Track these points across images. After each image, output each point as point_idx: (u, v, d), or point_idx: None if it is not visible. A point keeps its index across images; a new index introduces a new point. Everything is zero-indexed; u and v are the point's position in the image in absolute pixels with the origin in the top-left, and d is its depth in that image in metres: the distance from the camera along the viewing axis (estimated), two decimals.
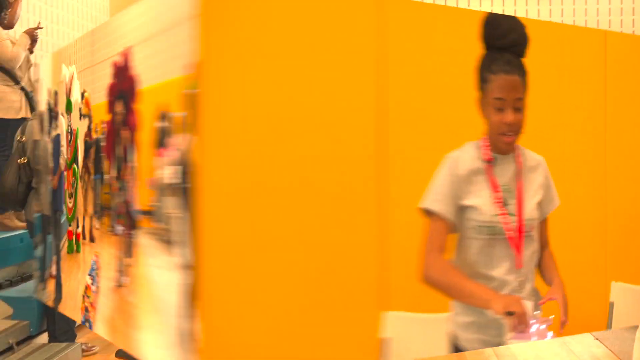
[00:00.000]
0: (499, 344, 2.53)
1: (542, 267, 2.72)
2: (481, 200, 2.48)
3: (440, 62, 3.15)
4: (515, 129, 2.54)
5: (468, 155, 2.51)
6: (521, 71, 2.57)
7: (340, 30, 2.80)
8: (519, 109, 2.54)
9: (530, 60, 3.47)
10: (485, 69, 2.53)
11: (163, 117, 2.51)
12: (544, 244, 2.73)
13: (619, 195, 3.80)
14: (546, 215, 2.71)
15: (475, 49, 3.05)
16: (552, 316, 2.60)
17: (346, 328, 3.21)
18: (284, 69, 2.69)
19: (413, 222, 3.24)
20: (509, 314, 2.40)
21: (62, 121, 3.30)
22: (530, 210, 2.59)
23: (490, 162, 2.53)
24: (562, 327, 2.66)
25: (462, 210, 2.50)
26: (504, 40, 2.55)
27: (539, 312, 2.69)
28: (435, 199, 2.46)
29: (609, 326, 3.59)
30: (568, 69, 3.56)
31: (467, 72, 3.20)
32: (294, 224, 3.03)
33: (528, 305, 2.50)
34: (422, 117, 3.17)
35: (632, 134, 3.77)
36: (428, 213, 2.47)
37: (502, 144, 2.53)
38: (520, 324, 2.40)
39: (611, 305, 3.58)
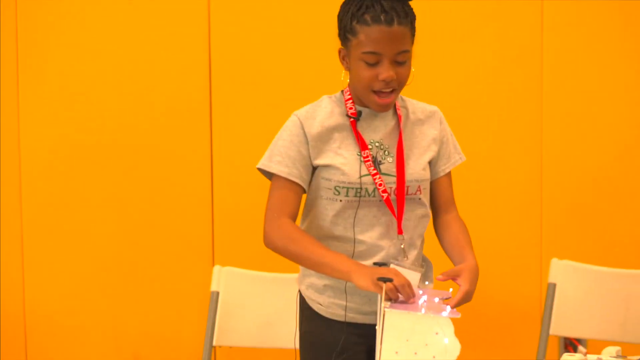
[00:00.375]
0: (369, 313, 2.24)
1: (446, 239, 2.27)
2: (342, 160, 2.14)
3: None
4: (395, 85, 2.11)
5: (323, 111, 2.19)
6: (405, 19, 2.09)
7: None
8: (401, 62, 2.11)
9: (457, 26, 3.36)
10: (353, 18, 2.10)
11: None
12: (445, 207, 2.29)
13: (555, 170, 3.60)
14: (444, 172, 2.28)
15: None
16: (451, 289, 2.15)
17: (178, 282, 3.19)
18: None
19: (241, 181, 3.19)
20: (385, 280, 2.08)
21: None
22: (415, 170, 2.19)
23: (355, 117, 2.18)
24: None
25: (315, 170, 2.16)
26: None
27: (429, 283, 2.38)
28: (277, 160, 2.17)
29: (546, 307, 3.13)
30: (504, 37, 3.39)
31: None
32: (127, 184, 3.16)
33: (411, 275, 2.20)
34: (246, 74, 3.17)
35: (569, 104, 3.59)
36: (268, 175, 2.21)
37: (374, 104, 2.14)
38: (400, 295, 1.98)
39: (552, 286, 3.14)
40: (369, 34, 2.09)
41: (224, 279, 2.98)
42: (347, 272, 2.03)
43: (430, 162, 2.25)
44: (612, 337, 3.08)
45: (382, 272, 2.01)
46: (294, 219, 2.17)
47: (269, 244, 2.18)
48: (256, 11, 3.36)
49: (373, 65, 2.11)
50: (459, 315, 1.98)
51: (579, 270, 3.14)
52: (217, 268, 2.99)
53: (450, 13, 3.46)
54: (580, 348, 3.48)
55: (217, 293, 2.95)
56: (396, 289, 1.97)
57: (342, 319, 2.19)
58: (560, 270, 3.15)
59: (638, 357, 2.14)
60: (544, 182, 3.59)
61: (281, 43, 3.37)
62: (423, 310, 1.97)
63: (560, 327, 3.13)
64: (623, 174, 3.63)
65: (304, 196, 2.23)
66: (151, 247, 3.30)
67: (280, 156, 2.18)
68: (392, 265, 2.12)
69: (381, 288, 1.96)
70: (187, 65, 3.33)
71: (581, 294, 3.12)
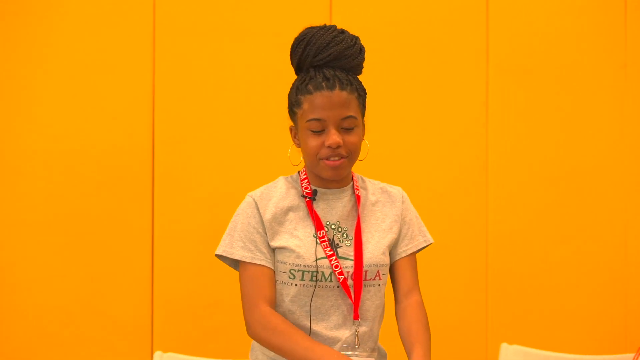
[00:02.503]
0: None
1: (401, 328, 2.14)
2: (297, 241, 2.07)
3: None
4: (343, 152, 2.06)
5: (279, 191, 2.13)
6: (350, 86, 2.08)
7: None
8: (348, 129, 2.07)
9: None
10: (297, 92, 2.10)
11: None
12: (406, 292, 2.18)
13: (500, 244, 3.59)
14: (405, 254, 2.18)
15: None
16: None
17: None
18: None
19: (181, 262, 3.09)
20: None
21: None
22: (374, 254, 2.11)
23: (310, 197, 2.12)
24: None
25: (274, 253, 2.09)
26: (321, 56, 2.09)
27: None
28: (239, 245, 2.08)
29: None
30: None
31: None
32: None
33: None
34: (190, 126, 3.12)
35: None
36: (229, 262, 2.12)
37: (325, 170, 2.08)
38: None
39: None
40: (312, 102, 2.07)
41: None
42: None
43: (391, 245, 2.17)
44: None
45: None
46: (272, 303, 2.08)
47: (252, 335, 2.08)
48: (201, 44, 3.33)
49: (319, 133, 2.07)
50: None
51: (529, 356, 3.08)
52: (157, 354, 2.84)
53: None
54: None
55: None
56: None
57: None
58: (510, 356, 3.09)
59: None
60: (490, 263, 3.57)
61: (228, 80, 3.32)
62: None
63: None
64: (568, 256, 3.64)
65: None
66: (85, 330, 3.13)
67: (241, 241, 2.10)
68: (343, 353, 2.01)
69: None
70: (130, 112, 3.24)
71: None
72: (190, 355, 2.88)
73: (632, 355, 3.01)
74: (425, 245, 2.22)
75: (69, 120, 3.22)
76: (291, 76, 2.15)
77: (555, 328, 3.61)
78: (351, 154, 2.09)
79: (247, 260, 2.08)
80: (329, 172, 2.09)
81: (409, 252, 2.19)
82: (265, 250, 2.09)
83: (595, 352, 3.23)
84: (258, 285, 2.08)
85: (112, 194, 3.20)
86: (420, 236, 2.22)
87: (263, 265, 2.08)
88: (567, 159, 3.62)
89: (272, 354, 2.09)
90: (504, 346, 3.11)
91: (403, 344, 2.13)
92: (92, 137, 3.22)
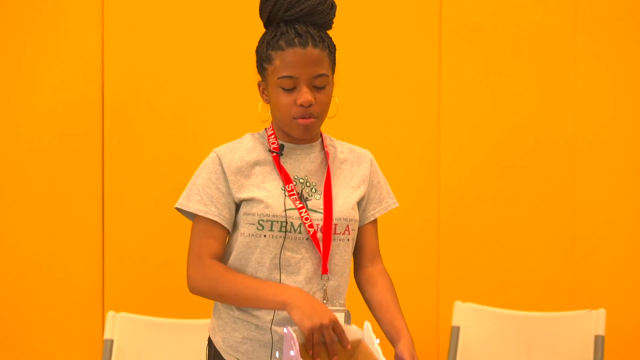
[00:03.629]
0: None
1: (374, 298, 2.14)
2: (265, 193, 2.03)
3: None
4: (315, 111, 2.04)
5: (245, 146, 2.10)
6: (322, 43, 2.05)
7: None
8: (320, 87, 2.04)
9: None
10: (268, 47, 2.05)
11: None
12: (371, 257, 2.19)
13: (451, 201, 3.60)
14: (373, 217, 2.18)
15: None
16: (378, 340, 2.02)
17: (71, 329, 3.00)
18: None
19: (133, 220, 3.06)
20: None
21: None
22: (344, 208, 2.09)
23: (277, 151, 2.09)
24: None
25: (236, 206, 2.05)
26: (293, 11, 2.04)
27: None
28: (195, 199, 2.05)
29: (451, 352, 3.09)
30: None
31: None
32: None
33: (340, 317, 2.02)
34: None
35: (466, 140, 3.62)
36: (187, 214, 2.08)
37: (296, 129, 2.05)
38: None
39: (455, 329, 3.10)
40: (283, 58, 2.03)
41: (119, 325, 2.79)
42: (284, 305, 1.94)
43: (359, 205, 2.15)
44: None
45: (322, 316, 1.89)
46: (218, 257, 2.05)
47: (193, 288, 2.05)
48: (151, 41, 3.24)
49: (290, 90, 2.04)
50: None
51: (481, 313, 3.13)
52: (110, 314, 2.81)
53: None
54: None
55: (112, 341, 2.77)
56: (322, 329, 1.87)
57: None
58: (464, 313, 3.13)
59: None
60: (441, 222, 3.59)
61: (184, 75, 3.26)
62: None
63: None
64: (518, 215, 3.68)
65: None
66: (35, 288, 3.07)
67: (198, 195, 2.07)
68: None
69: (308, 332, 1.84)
70: (80, 56, 3.16)
71: (484, 338, 3.10)
72: (144, 315, 2.85)
73: (578, 312, 3.08)
74: (393, 207, 2.22)
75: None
76: (258, 30, 2.11)
77: (506, 286, 3.66)
78: (322, 113, 2.07)
79: (200, 213, 2.05)
80: (300, 131, 2.07)
81: (377, 214, 2.19)
82: (221, 208, 2.06)
83: (545, 309, 3.28)
84: (206, 241, 2.05)
85: (62, 149, 3.12)
86: (389, 198, 2.22)
87: (216, 222, 2.05)
88: (518, 116, 3.65)
89: (236, 312, 2.07)
90: (458, 304, 3.15)
91: (376, 314, 2.14)
92: (42, 89, 3.14)
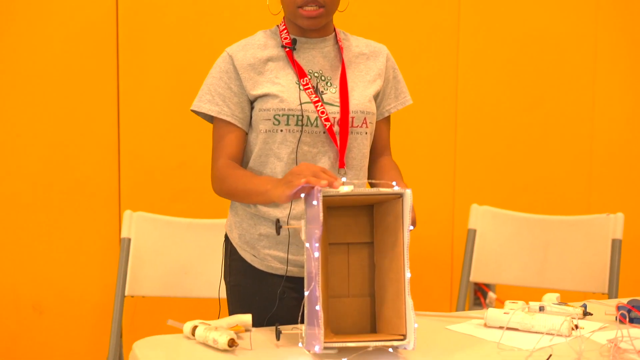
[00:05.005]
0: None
1: (378, 173, 2.13)
2: (279, 87, 2.01)
3: None
4: (322, 1, 1.99)
5: (256, 43, 2.07)
6: None
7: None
8: None
9: None
10: None
11: None
12: (381, 151, 2.18)
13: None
14: (389, 112, 2.15)
15: None
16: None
17: (88, 229, 3.01)
18: None
19: (148, 121, 3.03)
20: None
21: None
22: (360, 101, 2.05)
23: (289, 46, 2.05)
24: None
25: (251, 103, 2.05)
26: None
27: None
28: (206, 99, 2.04)
29: (467, 254, 3.09)
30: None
31: None
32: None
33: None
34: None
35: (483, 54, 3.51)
36: (203, 116, 2.08)
37: (301, 19, 2.00)
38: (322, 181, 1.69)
39: (472, 232, 3.09)
40: None
41: (135, 224, 2.80)
42: (265, 192, 1.88)
43: (375, 99, 2.13)
44: (530, 283, 3.07)
45: (292, 171, 1.79)
46: (234, 159, 2.05)
47: (214, 189, 2.07)
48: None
49: None
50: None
51: (498, 216, 3.11)
52: (127, 213, 2.81)
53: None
54: (491, 294, 3.48)
55: (129, 240, 2.78)
56: (317, 173, 1.73)
57: (278, 272, 2.06)
58: (480, 216, 3.11)
59: (579, 303, 2.10)
60: (459, 127, 3.55)
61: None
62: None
63: (477, 273, 3.10)
64: (536, 121, 3.64)
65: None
66: (53, 189, 3.07)
67: (209, 94, 2.06)
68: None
69: (295, 184, 1.72)
70: None
71: (500, 240, 3.09)
72: (160, 214, 2.85)
73: (596, 215, 3.06)
74: (409, 103, 2.20)
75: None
76: None
77: (522, 191, 3.64)
78: (329, 4, 2.02)
79: (213, 114, 2.05)
80: (306, 21, 2.03)
81: (392, 111, 2.17)
82: (234, 108, 2.04)
83: (562, 214, 3.27)
84: (221, 142, 2.06)
85: (78, 46, 3.07)
86: (402, 96, 2.19)
87: (229, 122, 2.05)
88: (538, 24, 3.58)
89: (253, 208, 2.06)
90: (474, 207, 3.13)
91: (377, 178, 2.12)
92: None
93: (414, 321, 1.67)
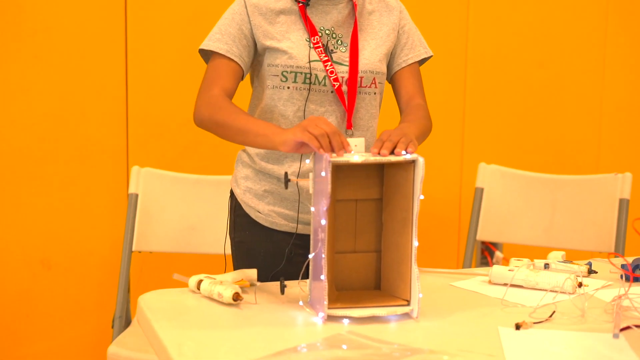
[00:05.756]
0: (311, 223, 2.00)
1: (402, 119, 2.06)
2: (289, 43, 1.99)
3: None
4: None
5: None
6: None
7: None
8: None
9: None
10: None
11: None
12: (409, 98, 2.10)
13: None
14: (406, 63, 2.11)
15: None
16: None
17: (89, 182, 3.01)
18: None
19: (153, 82, 3.01)
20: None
21: None
22: (370, 61, 2.04)
23: (303, 1, 2.03)
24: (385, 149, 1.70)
25: (259, 54, 2.03)
26: None
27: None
28: (216, 37, 2.00)
29: (474, 212, 3.09)
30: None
31: None
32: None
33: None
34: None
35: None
36: (207, 54, 2.04)
37: None
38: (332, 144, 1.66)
39: (479, 190, 3.09)
40: None
41: (143, 180, 2.81)
42: (267, 135, 1.79)
43: (391, 54, 2.11)
44: (536, 242, 3.08)
45: (309, 119, 1.72)
46: (228, 93, 1.99)
47: (196, 117, 1.99)
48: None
49: None
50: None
51: (506, 175, 3.11)
52: (135, 169, 2.81)
53: None
54: (497, 254, 3.49)
55: (136, 195, 2.78)
56: (327, 136, 1.67)
57: (282, 228, 2.07)
58: (488, 175, 3.11)
59: (585, 261, 2.10)
60: (468, 86, 3.53)
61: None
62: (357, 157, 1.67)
63: (485, 232, 3.10)
64: (545, 80, 3.61)
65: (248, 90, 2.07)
66: (61, 144, 3.07)
67: (220, 34, 2.03)
68: None
69: (310, 136, 1.66)
70: None
71: (507, 199, 3.09)
72: (167, 170, 2.86)
73: (604, 175, 3.05)
74: (426, 56, 2.16)
75: None
76: None
77: (531, 150, 3.63)
78: None
79: (221, 52, 2.00)
80: None
81: (410, 61, 2.13)
82: (242, 49, 2.01)
83: (570, 172, 3.26)
84: (219, 75, 2.00)
85: (86, 5, 3.06)
86: (421, 47, 2.16)
87: (234, 61, 2.01)
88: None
89: (259, 164, 2.05)
90: (482, 165, 3.13)
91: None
92: None
93: (418, 291, 1.67)
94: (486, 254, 3.52)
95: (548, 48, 3.60)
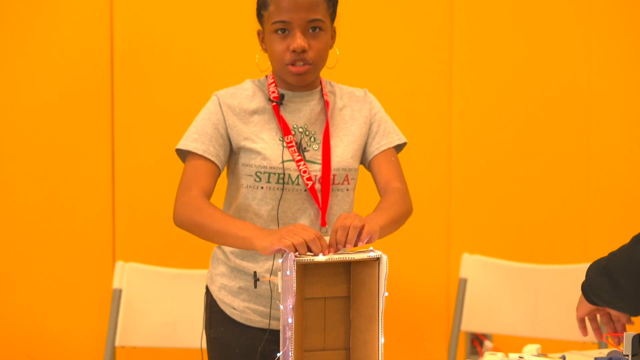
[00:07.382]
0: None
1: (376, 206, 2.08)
2: (262, 144, 2.03)
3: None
4: (309, 58, 2.01)
5: (244, 93, 2.10)
6: None
7: None
8: (314, 33, 2.02)
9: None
10: None
11: None
12: (385, 183, 2.13)
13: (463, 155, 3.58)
14: (379, 150, 2.14)
15: None
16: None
17: (76, 278, 3.02)
18: None
19: (143, 173, 3.05)
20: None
21: None
22: (343, 158, 2.07)
23: (277, 100, 2.07)
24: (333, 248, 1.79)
25: (234, 153, 2.08)
26: None
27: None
28: (193, 137, 2.04)
29: (458, 303, 3.10)
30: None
31: None
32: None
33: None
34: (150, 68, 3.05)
35: (477, 100, 3.61)
36: (183, 154, 2.08)
37: (289, 76, 2.03)
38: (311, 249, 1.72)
39: (463, 281, 3.11)
40: (278, 3, 2.03)
41: (127, 275, 2.84)
42: (248, 238, 1.84)
43: (361, 147, 2.15)
44: (522, 333, 3.07)
45: (288, 228, 1.79)
46: (206, 194, 2.02)
47: (175, 219, 2.02)
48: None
49: (284, 36, 2.03)
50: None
51: (489, 265, 3.13)
52: (119, 264, 2.84)
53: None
54: (487, 343, 3.47)
55: (120, 290, 2.81)
56: (305, 244, 1.73)
57: (257, 325, 2.09)
58: (471, 265, 3.13)
59: (559, 354, 2.11)
60: (453, 176, 3.57)
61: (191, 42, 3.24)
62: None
63: (470, 322, 3.10)
64: (531, 169, 3.65)
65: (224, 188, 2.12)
66: (47, 240, 3.10)
67: (197, 134, 2.07)
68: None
69: (288, 244, 1.73)
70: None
71: (491, 289, 3.10)
72: (152, 265, 2.88)
73: (587, 264, 3.05)
74: (399, 142, 2.19)
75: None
76: None
77: (518, 240, 3.64)
78: (317, 60, 2.05)
79: (198, 152, 2.04)
80: (293, 78, 2.05)
81: (383, 148, 2.16)
82: (218, 149, 2.06)
83: (555, 262, 3.27)
84: (197, 176, 2.03)
85: (72, 100, 3.13)
86: (394, 134, 2.19)
87: (211, 161, 2.04)
88: (534, 71, 3.61)
89: (233, 261, 2.08)
90: (465, 256, 3.15)
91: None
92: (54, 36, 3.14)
93: None
94: (476, 343, 3.50)
95: (531, 137, 3.64)
